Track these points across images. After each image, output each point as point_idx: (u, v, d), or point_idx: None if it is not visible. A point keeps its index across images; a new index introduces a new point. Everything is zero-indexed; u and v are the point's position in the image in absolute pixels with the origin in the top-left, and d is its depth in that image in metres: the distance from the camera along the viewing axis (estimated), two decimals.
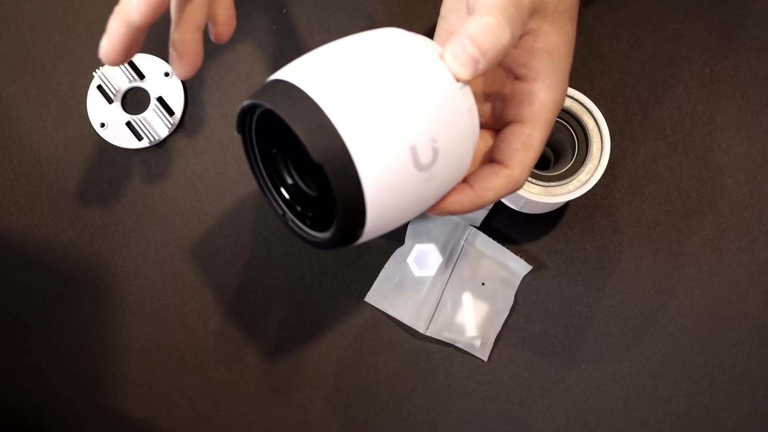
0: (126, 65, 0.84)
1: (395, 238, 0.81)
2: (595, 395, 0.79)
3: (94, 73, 0.84)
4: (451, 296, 0.80)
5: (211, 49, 0.84)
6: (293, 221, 0.58)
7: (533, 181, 0.72)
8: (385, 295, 0.80)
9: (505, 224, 0.81)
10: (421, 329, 0.80)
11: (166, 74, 0.84)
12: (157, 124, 0.83)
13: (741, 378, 0.78)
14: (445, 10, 0.65)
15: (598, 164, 0.71)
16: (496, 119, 0.61)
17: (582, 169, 0.72)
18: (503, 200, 0.80)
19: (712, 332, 0.79)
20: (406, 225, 0.81)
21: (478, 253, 0.81)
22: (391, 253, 0.81)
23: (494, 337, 0.79)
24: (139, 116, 0.83)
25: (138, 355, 0.81)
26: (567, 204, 0.81)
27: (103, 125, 0.83)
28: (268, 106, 0.50)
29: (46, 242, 0.82)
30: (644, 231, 0.81)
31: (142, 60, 0.85)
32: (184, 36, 0.58)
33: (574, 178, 0.71)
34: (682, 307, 0.79)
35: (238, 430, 0.80)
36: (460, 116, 0.53)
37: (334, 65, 0.52)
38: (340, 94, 0.50)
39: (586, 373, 0.79)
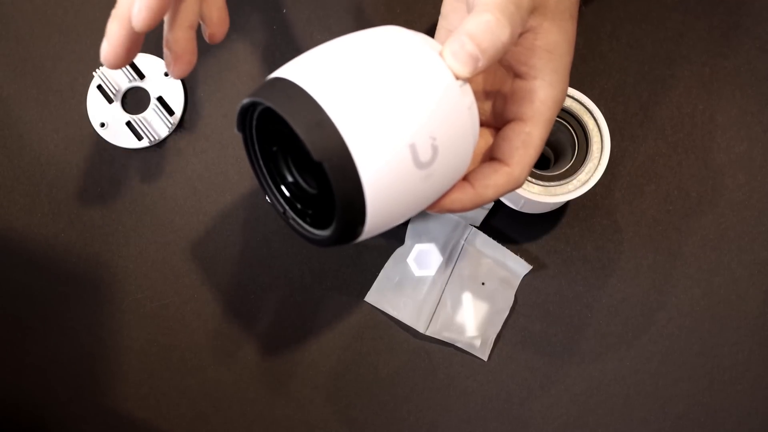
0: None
1: (395, 237, 0.81)
2: (595, 395, 0.79)
3: (94, 73, 0.84)
4: (451, 296, 0.80)
5: (211, 49, 0.84)
6: (294, 219, 0.58)
7: (533, 180, 0.72)
8: (385, 294, 0.80)
9: (505, 224, 0.81)
10: (421, 329, 0.79)
11: (166, 74, 0.84)
12: (157, 124, 0.83)
13: (741, 378, 0.78)
14: (445, 8, 0.65)
15: (598, 164, 0.71)
16: (497, 117, 0.61)
17: (582, 168, 0.72)
18: (503, 200, 0.80)
19: (712, 332, 0.79)
20: (406, 224, 0.81)
21: (478, 253, 0.81)
22: (391, 253, 0.81)
23: (494, 336, 0.79)
24: (139, 116, 0.83)
25: (138, 354, 0.81)
26: (567, 204, 0.81)
27: (103, 125, 0.83)
28: (268, 103, 0.50)
29: (46, 242, 0.82)
30: (644, 231, 0.81)
31: (142, 60, 0.85)
32: (178, 35, 0.58)
33: (574, 178, 0.71)
34: (682, 307, 0.79)
35: (238, 430, 0.80)
36: (459, 114, 0.53)
37: (334, 63, 0.52)
38: (339, 91, 0.50)
39: (585, 373, 0.79)
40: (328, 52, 0.53)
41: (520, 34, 0.55)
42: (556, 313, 0.80)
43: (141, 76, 0.84)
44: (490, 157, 0.59)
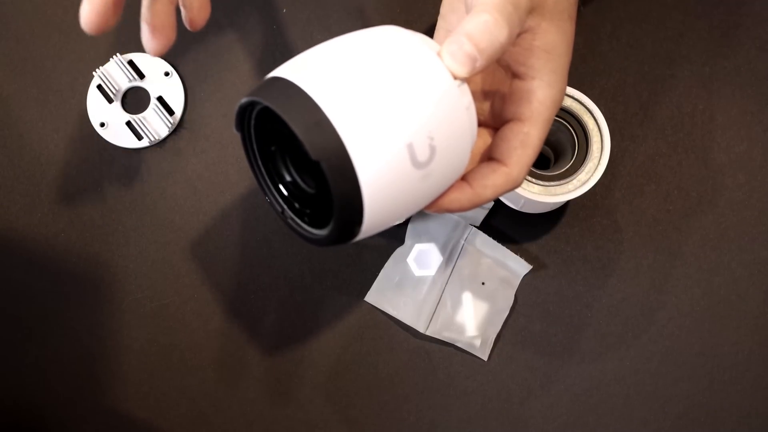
0: (126, 64, 0.84)
1: (395, 237, 0.81)
2: (595, 394, 0.79)
3: (94, 73, 0.84)
4: (451, 296, 0.80)
5: (211, 48, 0.85)
6: (292, 218, 0.58)
7: (533, 180, 0.72)
8: (385, 294, 0.80)
9: (505, 224, 0.81)
10: (421, 329, 0.79)
11: (166, 74, 0.84)
12: (157, 124, 0.83)
13: (741, 378, 0.78)
14: (444, 9, 0.65)
15: (598, 164, 0.71)
16: (495, 117, 0.61)
17: (582, 168, 0.71)
18: (503, 200, 0.80)
19: (712, 332, 0.79)
20: (405, 224, 0.81)
21: (478, 253, 0.81)
22: (391, 253, 0.81)
23: (494, 336, 0.79)
24: (139, 116, 0.83)
25: (138, 354, 0.81)
26: (567, 203, 0.81)
27: (103, 125, 0.83)
28: (266, 103, 0.50)
29: (46, 242, 0.82)
30: (644, 230, 0.80)
31: (142, 59, 0.85)
32: (156, 7, 0.56)
33: (574, 178, 0.71)
34: (681, 307, 0.79)
35: (238, 430, 0.80)
36: (457, 114, 0.53)
37: (332, 63, 0.52)
38: (337, 91, 0.50)
39: (586, 373, 0.79)
40: (326, 52, 0.53)
41: (519, 35, 0.55)
42: (556, 312, 0.80)
43: (141, 75, 0.85)
44: (489, 157, 0.59)
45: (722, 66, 0.83)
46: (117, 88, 0.84)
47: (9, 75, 0.85)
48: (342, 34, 0.55)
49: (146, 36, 0.58)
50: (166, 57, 0.85)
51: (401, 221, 0.61)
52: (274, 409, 0.80)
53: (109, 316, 0.81)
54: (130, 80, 0.84)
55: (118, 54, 0.84)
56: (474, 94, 0.55)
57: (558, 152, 0.77)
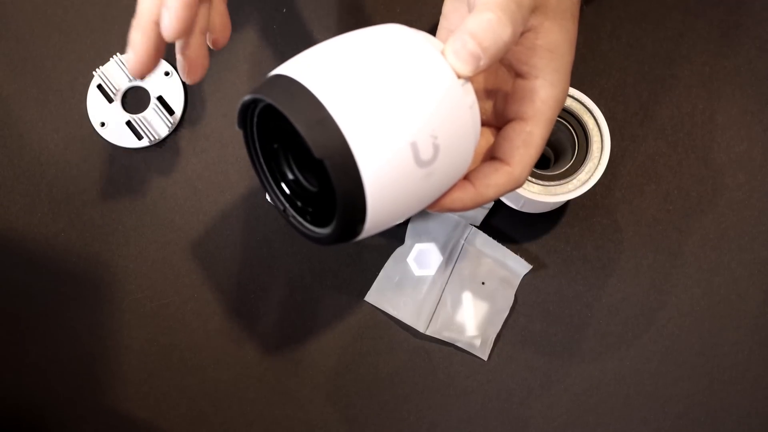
0: (126, 64, 0.83)
1: (395, 237, 0.81)
2: (595, 394, 0.79)
3: (94, 73, 0.84)
4: (451, 295, 0.80)
5: (211, 49, 0.84)
6: (294, 217, 0.58)
7: (533, 180, 0.72)
8: (385, 294, 0.80)
9: (505, 223, 0.81)
10: (421, 328, 0.79)
11: (166, 73, 0.84)
12: (157, 124, 0.83)
13: (741, 378, 0.78)
14: (446, 8, 0.65)
15: (598, 163, 0.71)
16: (498, 116, 0.61)
17: (582, 168, 0.72)
18: (503, 199, 0.80)
19: (712, 332, 0.79)
20: (406, 224, 0.81)
21: (478, 253, 0.81)
22: (391, 253, 0.81)
23: (494, 336, 0.79)
24: (139, 115, 0.83)
25: (138, 354, 0.81)
26: (567, 203, 0.81)
27: (103, 124, 0.83)
28: (269, 100, 0.50)
29: (46, 242, 0.82)
30: (644, 230, 0.81)
31: None
32: (192, 41, 0.59)
33: (574, 178, 0.72)
34: (682, 307, 0.79)
35: (238, 430, 0.80)
36: (461, 113, 0.53)
37: (335, 61, 0.52)
38: (341, 89, 0.50)
39: (586, 372, 0.79)
40: (329, 50, 0.53)
41: (522, 33, 0.55)
42: (556, 312, 0.80)
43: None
44: (491, 156, 0.59)
45: (722, 66, 0.83)
46: (117, 88, 0.84)
47: (9, 75, 0.85)
48: (342, 33, 0.55)
49: (183, 67, 0.61)
50: (166, 57, 0.85)
51: (403, 220, 0.61)
52: (274, 408, 0.80)
53: (109, 316, 0.81)
54: (130, 80, 0.84)
55: (118, 54, 0.84)
56: (477, 93, 0.55)
57: (558, 152, 0.77)
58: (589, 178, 0.71)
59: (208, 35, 0.62)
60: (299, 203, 0.58)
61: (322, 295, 0.81)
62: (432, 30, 0.66)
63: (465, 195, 0.57)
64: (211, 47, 0.63)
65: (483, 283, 0.80)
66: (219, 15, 0.62)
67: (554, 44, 0.57)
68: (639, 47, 0.83)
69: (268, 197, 0.60)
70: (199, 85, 0.84)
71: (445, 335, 0.79)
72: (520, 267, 0.80)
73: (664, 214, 0.81)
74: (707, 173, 0.81)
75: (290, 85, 0.50)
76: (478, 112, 0.54)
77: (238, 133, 0.57)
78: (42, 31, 0.86)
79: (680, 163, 0.81)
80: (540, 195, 0.72)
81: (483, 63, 0.52)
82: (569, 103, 0.72)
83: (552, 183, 0.72)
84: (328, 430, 0.79)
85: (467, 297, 0.80)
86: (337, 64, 0.51)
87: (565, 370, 0.79)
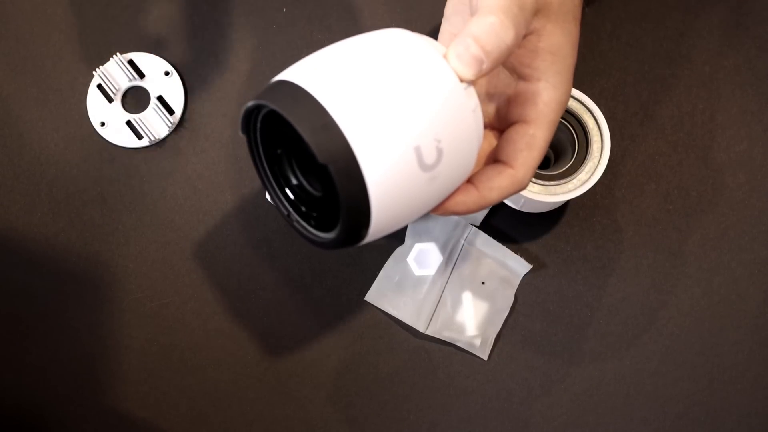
0: (126, 64, 0.83)
1: (395, 237, 0.81)
2: (595, 394, 0.79)
3: (94, 72, 0.84)
4: (451, 295, 0.80)
5: (211, 48, 0.84)
6: (298, 221, 0.58)
7: (534, 180, 0.72)
8: (385, 294, 0.80)
9: (505, 223, 0.81)
10: (421, 328, 0.79)
11: (166, 73, 0.84)
12: (157, 123, 0.83)
13: (741, 378, 0.79)
14: (448, 11, 0.65)
15: (599, 163, 0.71)
16: (500, 119, 0.61)
17: (582, 168, 0.72)
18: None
19: (712, 331, 0.79)
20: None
21: (478, 252, 0.81)
22: (391, 252, 0.81)
23: (494, 336, 0.79)
24: (139, 115, 0.83)
25: (138, 354, 0.81)
26: (567, 203, 0.81)
27: (103, 124, 0.83)
28: (273, 106, 0.50)
29: (46, 242, 0.82)
30: (644, 230, 0.81)
31: (141, 59, 0.85)
32: None
33: (575, 177, 0.72)
34: (682, 306, 0.80)
35: (238, 430, 0.80)
36: (464, 116, 0.53)
37: (339, 66, 0.52)
38: (344, 94, 0.50)
39: (586, 372, 0.79)
40: (332, 55, 0.53)
41: (524, 36, 0.55)
42: (556, 312, 0.80)
43: (141, 75, 0.84)
44: (494, 159, 0.59)
45: (722, 65, 0.83)
46: (117, 88, 0.84)
47: (9, 75, 0.85)
48: (342, 34, 0.55)
49: None
50: (166, 57, 0.85)
51: (407, 224, 0.61)
52: (274, 408, 0.80)
53: (109, 315, 0.81)
54: (130, 80, 0.84)
55: (118, 53, 0.84)
56: (479, 96, 0.55)
57: (558, 152, 0.77)
58: (589, 177, 0.71)
59: None
60: (303, 208, 0.58)
61: (322, 295, 0.81)
62: (431, 32, 0.66)
63: (468, 198, 0.57)
64: None
65: (483, 283, 0.80)
66: None
67: (556, 47, 0.57)
68: (639, 47, 0.83)
69: (268, 197, 0.60)
70: (199, 85, 0.84)
71: (445, 335, 0.79)
72: (520, 267, 0.80)
73: (664, 214, 0.81)
74: (707, 173, 0.81)
75: (293, 90, 0.50)
76: (481, 115, 0.54)
77: (238, 133, 0.57)
78: (42, 31, 0.85)
79: (680, 163, 0.81)
80: (540, 195, 0.72)
81: (486, 66, 0.52)
82: (569, 102, 0.72)
83: (552, 183, 0.72)
84: (328, 430, 0.80)
85: (467, 297, 0.80)
86: (340, 69, 0.51)
87: (565, 370, 0.79)
